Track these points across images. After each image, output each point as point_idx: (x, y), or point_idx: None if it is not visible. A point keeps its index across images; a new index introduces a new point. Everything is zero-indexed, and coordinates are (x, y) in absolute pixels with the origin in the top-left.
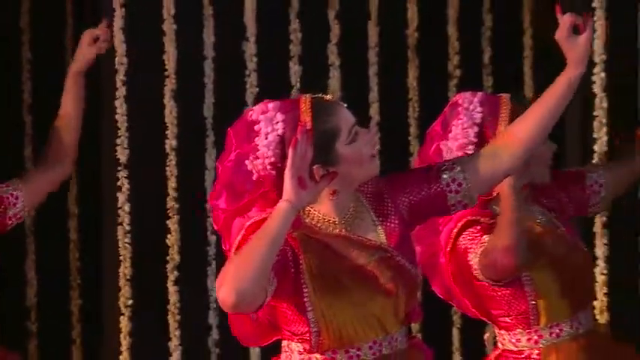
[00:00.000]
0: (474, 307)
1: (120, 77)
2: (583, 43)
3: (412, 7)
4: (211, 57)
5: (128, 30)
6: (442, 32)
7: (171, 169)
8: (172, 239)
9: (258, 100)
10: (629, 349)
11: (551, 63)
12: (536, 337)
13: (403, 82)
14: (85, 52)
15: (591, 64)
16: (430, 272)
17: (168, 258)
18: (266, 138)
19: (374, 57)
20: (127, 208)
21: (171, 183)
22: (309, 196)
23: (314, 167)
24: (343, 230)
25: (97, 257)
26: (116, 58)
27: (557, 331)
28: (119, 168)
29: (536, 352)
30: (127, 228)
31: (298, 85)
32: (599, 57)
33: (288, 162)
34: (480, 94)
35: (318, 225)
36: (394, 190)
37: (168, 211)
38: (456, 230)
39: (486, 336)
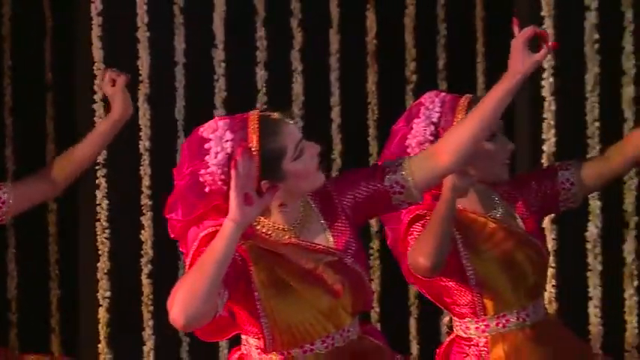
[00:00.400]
0: (428, 295)
1: (97, 82)
2: (533, 61)
3: (371, 16)
4: (182, 63)
5: (104, 37)
6: (399, 40)
7: (145, 169)
8: (146, 235)
9: (226, 103)
10: (579, 339)
11: (502, 69)
12: (483, 327)
13: (363, 87)
14: (112, 96)
15: (540, 69)
16: (397, 256)
17: (142, 252)
18: (215, 157)
19: (335, 63)
20: (104, 205)
21: (145, 182)
22: (256, 212)
23: (262, 183)
24: (293, 237)
25: (74, 251)
26: (94, 64)
27: (504, 321)
28: (97, 167)
29: (484, 340)
30: (105, 224)
31: (264, 89)
32: (547, 62)
33: (232, 182)
34: (443, 94)
35: (269, 233)
36: (341, 190)
37: (142, 208)
38: (407, 222)
39: (446, 319)
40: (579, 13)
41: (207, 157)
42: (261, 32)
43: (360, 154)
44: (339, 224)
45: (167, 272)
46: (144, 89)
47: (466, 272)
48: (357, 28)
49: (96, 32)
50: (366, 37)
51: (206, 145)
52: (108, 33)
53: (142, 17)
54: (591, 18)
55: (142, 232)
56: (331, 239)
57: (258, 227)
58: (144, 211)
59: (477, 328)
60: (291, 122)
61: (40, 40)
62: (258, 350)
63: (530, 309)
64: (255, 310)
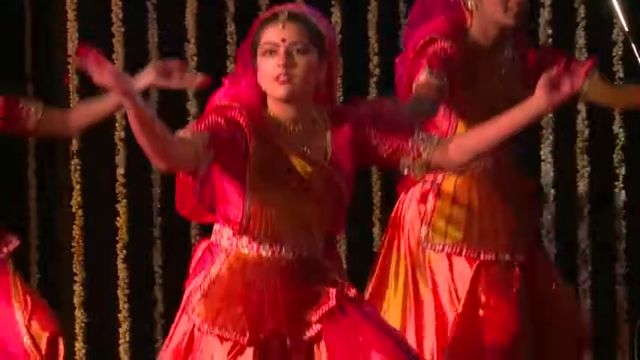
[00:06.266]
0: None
1: (73, 75)
2: (560, 98)
3: (336, 12)
4: (156, 56)
5: (80, 32)
6: (363, 35)
7: (120, 158)
8: (121, 221)
9: (198, 95)
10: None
11: None
12: None
13: None
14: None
15: None
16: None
17: (117, 238)
18: None
19: None
20: (78, 192)
21: (120, 170)
22: None
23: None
24: (291, 136)
25: (54, 237)
26: (69, 58)
27: None
28: (72, 157)
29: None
30: (79, 212)
31: None
32: None
33: None
34: None
35: (272, 121)
36: (363, 122)
37: (118, 196)
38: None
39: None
40: (534, 10)
41: None
42: (231, 27)
43: None
44: (341, 140)
45: (142, 257)
46: None
47: (454, 97)
48: None
49: (72, 27)
50: None
51: None
52: (85, 28)
53: (117, 13)
54: (544, 14)
55: (118, 218)
56: (330, 148)
57: (267, 118)
58: (119, 199)
59: None
60: (281, 26)
61: (21, 35)
62: (230, 240)
63: (491, 155)
64: (243, 184)
